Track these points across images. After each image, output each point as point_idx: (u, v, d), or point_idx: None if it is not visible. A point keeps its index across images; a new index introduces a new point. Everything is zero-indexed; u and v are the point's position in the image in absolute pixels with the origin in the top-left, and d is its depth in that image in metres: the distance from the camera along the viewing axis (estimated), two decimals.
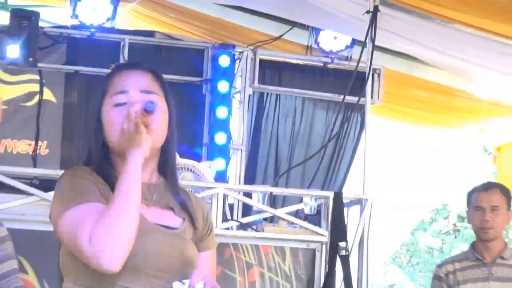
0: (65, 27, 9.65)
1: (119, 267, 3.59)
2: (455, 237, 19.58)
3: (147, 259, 3.77)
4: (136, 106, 3.74)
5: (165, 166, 3.98)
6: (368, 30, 7.85)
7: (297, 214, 7.93)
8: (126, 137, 3.75)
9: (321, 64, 9.84)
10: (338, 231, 7.68)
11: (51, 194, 7.08)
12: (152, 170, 3.94)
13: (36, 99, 9.87)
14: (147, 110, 3.67)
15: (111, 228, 3.64)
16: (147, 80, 3.93)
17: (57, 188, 3.85)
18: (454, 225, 19.60)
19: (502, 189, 7.48)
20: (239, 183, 9.42)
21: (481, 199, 7.34)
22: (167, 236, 3.82)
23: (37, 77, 9.69)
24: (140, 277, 3.76)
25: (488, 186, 7.52)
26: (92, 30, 9.41)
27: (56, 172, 8.05)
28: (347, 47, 9.73)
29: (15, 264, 5.29)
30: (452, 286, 7.35)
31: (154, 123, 3.79)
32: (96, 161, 3.88)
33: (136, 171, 3.74)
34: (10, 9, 9.36)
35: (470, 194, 7.48)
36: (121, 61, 9.24)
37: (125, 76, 3.93)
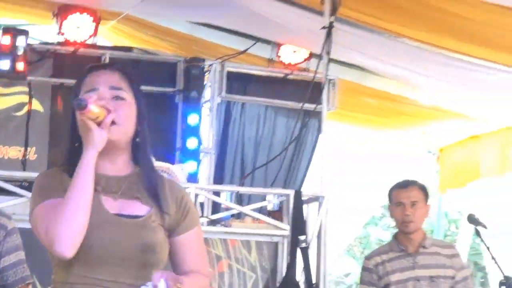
0: (51, 43, 9.62)
1: (71, 253, 3.63)
2: None
3: (106, 250, 3.79)
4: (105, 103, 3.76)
5: (137, 157, 3.97)
6: (323, 44, 7.88)
7: (261, 210, 7.98)
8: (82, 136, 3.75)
9: (282, 75, 9.87)
10: (298, 225, 7.73)
11: None
12: (123, 162, 3.93)
13: (25, 109, 9.84)
14: (79, 107, 3.62)
15: (61, 220, 3.68)
16: (116, 77, 3.92)
17: (32, 191, 3.90)
18: None
19: (420, 186, 7.57)
20: (209, 183, 9.41)
21: (401, 195, 7.42)
22: (128, 226, 3.83)
23: (26, 89, 9.65)
24: (103, 267, 3.79)
25: (407, 183, 7.58)
26: (76, 46, 9.40)
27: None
28: (305, 59, 9.76)
29: (22, 255, 5.40)
30: (382, 277, 7.39)
31: (118, 117, 3.79)
32: (68, 160, 3.89)
33: (88, 166, 3.73)
34: (2, 27, 9.36)
35: (391, 192, 7.56)
36: None
37: (96, 75, 3.93)
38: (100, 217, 3.79)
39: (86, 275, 3.81)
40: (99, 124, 3.71)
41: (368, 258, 7.65)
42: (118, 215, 3.83)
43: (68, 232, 3.68)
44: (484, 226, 7.28)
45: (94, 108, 3.69)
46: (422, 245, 7.29)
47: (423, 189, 7.53)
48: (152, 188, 3.92)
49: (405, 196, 7.36)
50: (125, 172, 3.93)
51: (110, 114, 3.76)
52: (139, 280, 3.74)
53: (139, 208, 3.88)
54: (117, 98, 3.83)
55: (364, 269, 7.56)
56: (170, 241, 3.95)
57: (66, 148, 3.92)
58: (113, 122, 3.76)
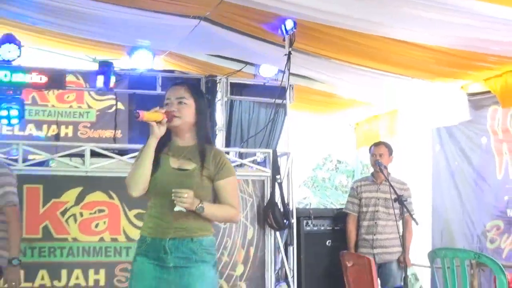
0: (127, 69, 9.67)
1: (136, 194, 3.94)
2: (336, 171, 19.27)
3: (164, 187, 3.98)
4: (170, 108, 4.05)
5: (197, 135, 4.14)
6: (286, 64, 7.79)
7: (253, 162, 7.95)
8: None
9: (262, 83, 9.83)
10: (275, 170, 7.72)
11: (124, 158, 7.35)
12: (188, 138, 4.14)
13: (113, 108, 10.09)
14: (135, 117, 3.90)
15: (130, 176, 3.99)
16: (181, 90, 4.11)
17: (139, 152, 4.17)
18: (336, 165, 19.38)
19: (385, 144, 7.75)
20: (222, 147, 9.22)
21: (373, 150, 7.64)
22: (179, 175, 4.02)
23: (114, 97, 9.83)
24: (163, 198, 3.98)
25: (378, 143, 7.78)
26: (141, 70, 9.48)
27: (126, 146, 8.32)
28: (275, 74, 9.69)
29: (8, 189, 5.39)
30: (359, 194, 7.65)
31: (179, 113, 4.03)
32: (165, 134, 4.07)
33: (150, 147, 3.95)
34: (98, 61, 9.43)
35: (370, 148, 7.73)
36: (158, 88, 9.34)
37: (170, 90, 4.15)
38: (165, 169, 4.05)
39: (155, 202, 4.07)
40: (159, 122, 3.95)
41: (354, 182, 8.07)
42: (176, 169, 4.06)
43: (133, 182, 3.97)
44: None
45: (148, 115, 3.92)
46: (384, 180, 7.42)
47: (388, 146, 7.68)
48: (201, 153, 4.08)
49: (376, 151, 7.59)
50: (189, 144, 4.14)
51: (171, 113, 4.02)
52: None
53: (189, 165, 4.07)
54: (180, 102, 4.07)
55: (351, 189, 7.85)
56: (213, 185, 4.10)
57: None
58: (175, 116, 4.02)
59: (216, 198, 4.14)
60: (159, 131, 3.96)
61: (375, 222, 7.53)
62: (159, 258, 3.99)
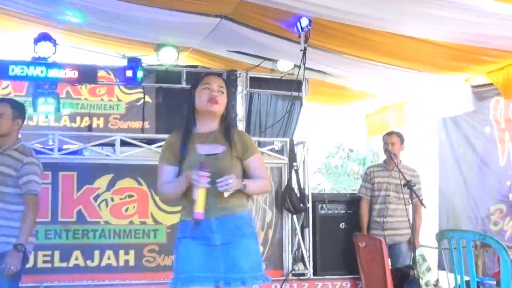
0: (154, 65, 9.63)
1: (167, 203, 4.02)
2: (348, 159, 19.30)
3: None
4: (216, 94, 4.03)
5: (225, 120, 4.14)
6: (301, 59, 7.73)
7: (272, 150, 7.94)
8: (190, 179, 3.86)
9: (279, 77, 9.76)
10: (292, 157, 7.76)
11: (152, 147, 7.36)
12: (213, 124, 4.11)
13: (141, 101, 10.01)
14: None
15: (165, 193, 4.01)
16: (220, 80, 4.12)
17: (163, 146, 4.20)
18: (348, 154, 19.40)
19: (397, 133, 7.66)
20: None
21: (385, 139, 7.58)
22: (210, 160, 3.94)
23: (141, 90, 9.76)
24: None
25: (390, 132, 7.72)
26: (167, 65, 9.42)
27: (154, 136, 8.25)
28: (292, 68, 9.63)
29: (32, 177, 5.15)
30: (371, 179, 7.59)
31: (219, 100, 4.04)
32: (188, 121, 4.09)
33: (183, 183, 3.91)
34: (127, 58, 9.39)
35: (383, 137, 7.68)
36: (182, 82, 9.24)
37: (210, 78, 4.12)
38: (195, 157, 3.98)
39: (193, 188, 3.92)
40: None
41: (367, 168, 7.98)
42: (205, 155, 4.01)
43: (166, 199, 4.14)
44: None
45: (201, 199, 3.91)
46: (395, 166, 7.31)
47: (400, 135, 7.60)
48: (227, 136, 4.07)
49: (388, 140, 7.52)
50: (213, 129, 4.09)
51: (215, 98, 4.05)
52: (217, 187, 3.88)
53: (218, 148, 4.03)
54: (219, 91, 4.05)
55: (365, 174, 7.83)
56: (243, 163, 4.07)
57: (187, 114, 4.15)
58: (216, 102, 4.02)
59: (243, 175, 4.12)
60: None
61: (386, 206, 7.49)
62: (206, 238, 3.94)
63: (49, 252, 6.98)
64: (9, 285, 5.04)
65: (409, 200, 7.32)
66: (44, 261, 6.97)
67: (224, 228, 3.97)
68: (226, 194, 3.88)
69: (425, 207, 6.96)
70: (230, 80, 9.44)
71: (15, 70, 8.10)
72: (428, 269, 8.35)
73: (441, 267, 8.71)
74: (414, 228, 7.26)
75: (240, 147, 4.08)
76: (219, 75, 4.26)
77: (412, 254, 6.90)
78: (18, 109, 5.38)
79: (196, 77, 4.27)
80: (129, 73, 8.81)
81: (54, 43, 8.22)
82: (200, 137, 4.08)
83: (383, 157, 7.94)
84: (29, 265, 6.65)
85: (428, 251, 8.68)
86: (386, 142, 7.56)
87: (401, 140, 7.62)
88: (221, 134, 4.10)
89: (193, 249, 3.96)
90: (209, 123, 4.10)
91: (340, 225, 7.95)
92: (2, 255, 5.03)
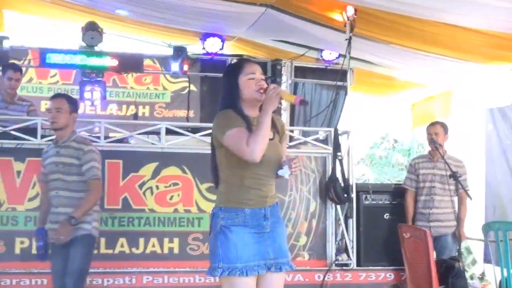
0: (199, 54, 9.69)
1: (260, 159, 3.78)
2: (393, 150, 19.15)
3: (265, 157, 3.84)
4: (263, 82, 3.90)
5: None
6: (346, 49, 7.68)
7: (316, 139, 7.89)
8: (267, 98, 3.80)
9: (324, 67, 9.78)
10: (336, 147, 7.63)
11: (197, 135, 7.32)
12: (257, 110, 3.97)
13: (186, 90, 10.04)
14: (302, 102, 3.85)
15: (258, 140, 3.75)
16: (260, 69, 4.00)
17: (216, 122, 3.94)
18: (392, 144, 19.24)
19: (441, 123, 7.53)
20: (287, 126, 9.13)
21: (429, 130, 7.48)
22: (271, 144, 3.91)
23: (187, 79, 9.80)
24: (261, 166, 3.88)
25: (434, 123, 7.56)
26: (212, 55, 9.48)
27: (198, 125, 8.27)
28: (337, 58, 9.68)
29: (93, 164, 5.53)
30: (416, 170, 7.50)
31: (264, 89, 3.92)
32: (234, 107, 3.94)
33: (270, 115, 3.79)
34: (173, 46, 9.46)
35: (427, 128, 7.53)
36: None
37: (253, 66, 4.00)
38: None
39: (253, 173, 3.90)
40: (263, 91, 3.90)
41: (412, 160, 7.84)
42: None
43: (260, 147, 3.75)
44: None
45: (287, 96, 3.99)
46: (442, 157, 7.24)
47: (444, 125, 7.48)
48: (273, 122, 3.97)
49: (431, 130, 7.39)
50: (256, 114, 3.98)
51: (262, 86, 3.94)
52: (274, 174, 3.94)
53: (270, 134, 3.94)
54: (263, 79, 3.97)
55: (410, 165, 7.71)
56: None
57: (229, 102, 3.95)
58: (265, 91, 3.89)
59: None
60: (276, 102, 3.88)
61: (432, 197, 7.40)
62: (259, 225, 3.94)
63: None
64: (81, 262, 5.45)
65: (455, 191, 7.22)
66: None
67: (272, 215, 3.99)
68: (287, 176, 3.90)
69: (471, 198, 6.87)
70: (274, 69, 9.47)
71: (54, 58, 8.21)
72: (474, 262, 8.27)
73: (487, 260, 8.56)
74: (459, 219, 7.18)
75: (281, 133, 4.11)
76: (257, 63, 4.18)
77: (458, 246, 6.79)
78: (73, 103, 5.74)
79: (230, 65, 4.22)
80: (174, 62, 8.88)
81: (101, 32, 8.27)
82: (254, 122, 4.01)
83: (428, 147, 7.83)
84: None
85: (474, 243, 8.59)
86: (430, 133, 7.45)
87: (445, 130, 7.50)
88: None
89: (246, 238, 3.93)
90: (255, 110, 4.03)
91: (385, 216, 7.87)
92: (73, 240, 5.40)
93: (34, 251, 6.67)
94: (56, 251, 5.50)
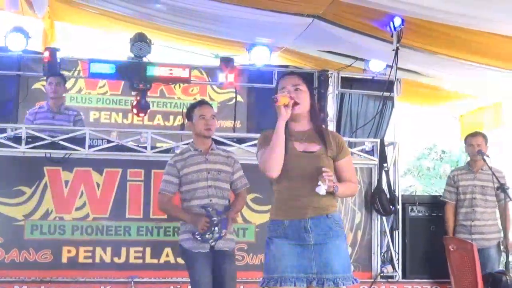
0: (245, 65, 9.70)
1: (275, 174, 3.87)
2: (441, 161, 18.96)
3: (295, 170, 3.94)
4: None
5: (313, 120, 4.13)
6: (393, 59, 7.68)
7: (362, 150, 7.84)
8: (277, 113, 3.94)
9: (371, 77, 9.68)
10: (382, 158, 7.63)
11: (243, 146, 7.37)
12: (305, 123, 4.09)
13: (233, 100, 10.04)
14: (273, 101, 3.93)
15: (268, 159, 3.90)
16: (295, 79, 4.09)
17: (258, 140, 4.16)
18: (440, 155, 19.03)
19: (482, 134, 7.44)
20: None
21: (471, 140, 7.39)
22: (308, 157, 3.97)
23: (233, 90, 9.83)
24: (296, 181, 3.94)
25: (475, 133, 7.48)
26: (259, 65, 9.44)
27: (245, 135, 8.23)
28: (384, 68, 9.51)
29: (242, 173, 5.67)
30: (456, 182, 7.40)
31: (297, 99, 3.99)
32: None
33: (280, 129, 3.90)
34: (220, 57, 9.48)
35: (465, 139, 7.47)
36: (273, 82, 9.20)
37: (285, 79, 4.12)
38: (293, 153, 3.99)
39: (288, 185, 3.98)
40: (286, 105, 3.94)
41: (451, 172, 7.73)
42: (303, 151, 4.02)
43: (272, 164, 3.88)
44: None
45: (282, 99, 3.92)
46: (480, 168, 7.20)
47: (485, 136, 7.38)
48: (321, 136, 4.07)
49: (473, 141, 7.30)
50: (307, 128, 4.10)
51: (292, 100, 3.97)
52: (314, 186, 3.89)
53: (314, 147, 4.03)
54: (297, 89, 4.03)
55: (448, 178, 7.59)
56: (334, 164, 4.07)
57: None
58: (296, 103, 3.99)
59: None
60: (286, 114, 3.94)
61: (473, 209, 7.28)
62: (300, 237, 3.96)
63: (140, 248, 7.06)
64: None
65: (498, 202, 7.13)
66: (136, 257, 7.05)
67: (318, 228, 3.97)
68: (322, 192, 3.86)
69: None
70: (321, 80, 9.43)
71: (96, 68, 8.28)
72: None
73: None
74: (505, 231, 7.08)
75: (335, 148, 4.09)
76: (293, 73, 4.20)
77: (504, 259, 6.67)
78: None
79: (281, 77, 4.26)
80: (221, 73, 9.00)
81: (149, 43, 8.34)
82: (295, 136, 4.08)
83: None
84: (121, 260, 6.97)
85: None
86: (473, 144, 7.34)
87: (486, 140, 7.38)
88: (315, 134, 4.10)
89: (286, 249, 3.96)
90: (300, 121, 4.09)
91: (431, 228, 7.79)
92: (230, 252, 5.55)
93: (80, 260, 6.84)
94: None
